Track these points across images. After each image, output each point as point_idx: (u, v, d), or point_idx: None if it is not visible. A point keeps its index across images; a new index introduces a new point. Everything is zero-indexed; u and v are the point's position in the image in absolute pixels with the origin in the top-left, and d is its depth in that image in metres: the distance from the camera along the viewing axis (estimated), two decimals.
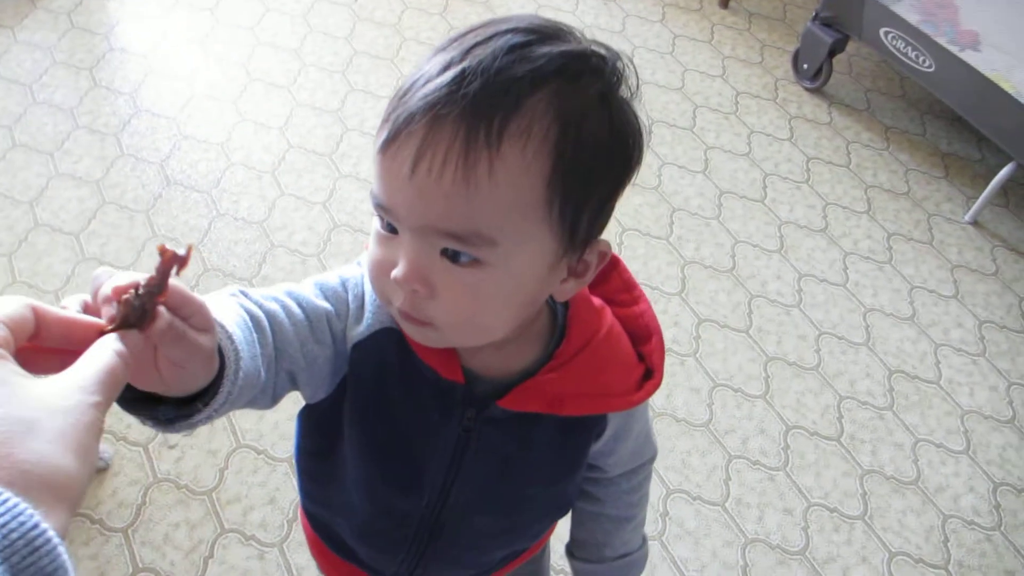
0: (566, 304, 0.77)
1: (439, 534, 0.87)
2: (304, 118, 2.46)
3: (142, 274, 0.51)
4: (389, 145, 0.60)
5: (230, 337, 0.60)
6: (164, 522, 1.71)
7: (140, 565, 1.65)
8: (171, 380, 0.56)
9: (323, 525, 0.97)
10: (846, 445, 1.89)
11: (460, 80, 0.58)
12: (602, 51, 0.64)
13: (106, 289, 0.51)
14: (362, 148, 2.39)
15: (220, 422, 1.84)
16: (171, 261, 0.51)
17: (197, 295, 0.55)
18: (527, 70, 0.58)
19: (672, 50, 2.78)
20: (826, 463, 1.86)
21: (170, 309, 0.52)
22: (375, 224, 0.66)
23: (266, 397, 0.72)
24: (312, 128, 2.44)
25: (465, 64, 0.58)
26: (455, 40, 0.62)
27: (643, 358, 0.79)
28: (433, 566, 0.93)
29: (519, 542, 1.00)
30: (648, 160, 1.13)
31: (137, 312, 0.50)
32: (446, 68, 0.59)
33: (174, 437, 1.81)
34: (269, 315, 0.69)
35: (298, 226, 2.21)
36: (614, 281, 0.81)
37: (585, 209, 0.63)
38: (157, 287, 0.51)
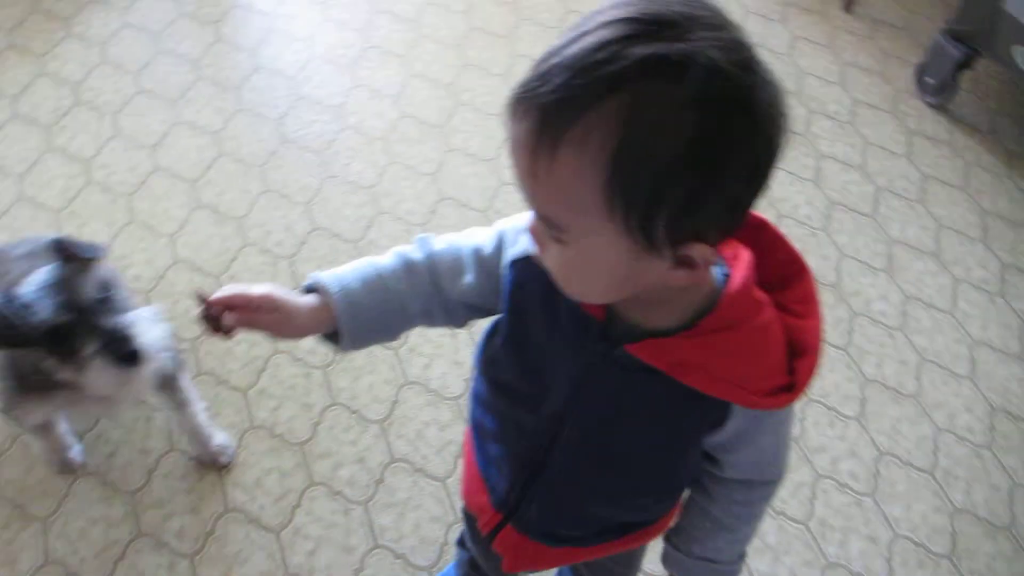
0: (726, 277, 0.77)
1: (547, 465, 0.92)
2: (418, 89, 2.49)
3: (239, 288, 0.86)
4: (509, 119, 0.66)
5: (339, 295, 0.87)
6: (257, 467, 1.76)
7: (231, 505, 1.70)
8: (285, 337, 0.89)
9: (478, 431, 1.03)
10: (939, 480, 1.84)
11: (541, 78, 0.62)
12: (713, 54, 0.59)
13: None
14: (473, 124, 2.41)
15: (316, 379, 1.89)
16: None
17: (258, 291, 0.86)
18: (604, 74, 0.58)
19: (791, 52, 2.72)
20: (917, 495, 1.82)
21: (238, 311, 0.84)
22: None
23: (442, 320, 0.93)
24: (425, 100, 2.46)
25: (554, 60, 0.61)
26: (578, 22, 0.63)
27: (792, 372, 0.78)
28: (536, 505, 0.98)
29: (618, 510, 1.00)
30: None
31: (213, 320, 0.86)
32: (544, 59, 0.63)
33: (273, 389, 1.87)
34: (432, 260, 0.91)
35: (406, 195, 2.23)
36: (797, 290, 0.80)
37: (656, 215, 0.62)
38: (205, 315, 0.86)
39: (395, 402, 1.86)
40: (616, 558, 1.18)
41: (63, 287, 1.25)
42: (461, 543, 1.45)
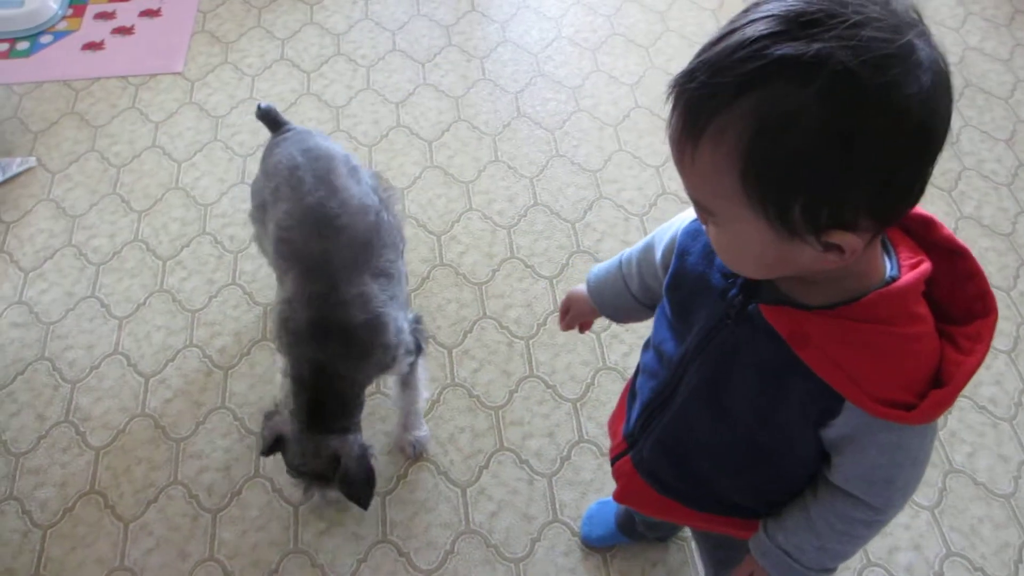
0: (893, 280, 0.76)
1: (668, 406, 0.97)
2: (656, 81, 2.48)
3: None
4: None
5: (590, 284, 1.15)
6: (452, 423, 1.84)
7: (424, 457, 1.79)
8: (592, 318, 1.22)
9: (638, 369, 1.10)
10: None
11: (690, 73, 0.67)
12: (844, 55, 0.60)
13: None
14: None
15: (518, 348, 1.94)
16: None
17: (566, 301, 1.22)
18: (745, 72, 0.62)
19: (1010, 23, 2.55)
20: None
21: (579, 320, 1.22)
22: None
23: (647, 296, 1.09)
24: (661, 93, 2.44)
25: (702, 56, 0.66)
26: (735, 16, 0.67)
27: (922, 397, 0.76)
28: (650, 443, 1.03)
29: (719, 478, 0.99)
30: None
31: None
32: (698, 54, 0.67)
33: (476, 351, 1.94)
34: (640, 254, 1.07)
35: (628, 184, 2.24)
36: (972, 327, 0.78)
37: (791, 206, 0.65)
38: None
39: (590, 384, 1.89)
40: (734, 543, 1.17)
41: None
42: None
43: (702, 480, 1.02)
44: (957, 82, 2.29)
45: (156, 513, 1.74)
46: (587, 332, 1.32)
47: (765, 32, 0.62)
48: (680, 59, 2.53)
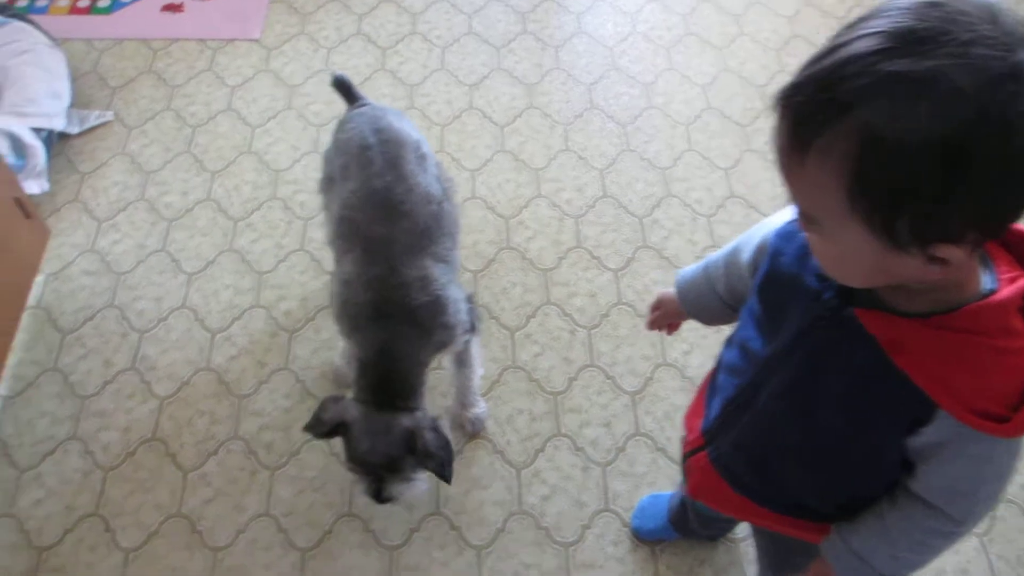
0: (991, 292, 0.77)
1: (751, 405, 0.98)
2: (728, 83, 2.49)
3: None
4: None
5: (682, 297, 1.18)
6: (510, 405, 1.86)
7: (481, 435, 1.81)
8: (682, 320, 1.24)
9: (718, 366, 1.12)
10: None
11: (797, 87, 0.67)
12: (955, 74, 0.60)
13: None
14: None
15: (580, 336, 1.95)
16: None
17: (654, 301, 1.25)
18: (855, 87, 0.62)
19: None
20: None
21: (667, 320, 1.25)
22: None
23: (731, 296, 1.10)
24: (733, 95, 2.46)
25: (810, 70, 0.66)
26: (842, 30, 0.67)
27: (1016, 410, 0.76)
28: (731, 440, 1.04)
29: (799, 479, 1.00)
30: None
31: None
32: (805, 67, 0.67)
33: (538, 336, 1.96)
34: (727, 257, 1.09)
35: (697, 184, 2.25)
36: None
37: (897, 220, 0.65)
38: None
39: (649, 379, 1.90)
40: (799, 547, 1.18)
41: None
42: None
43: (778, 480, 1.03)
44: None
45: (215, 465, 1.77)
46: (673, 333, 1.32)
47: (875, 48, 0.62)
48: (753, 63, 2.53)
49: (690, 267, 1.19)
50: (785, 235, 0.93)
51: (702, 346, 1.94)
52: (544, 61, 2.51)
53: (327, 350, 1.92)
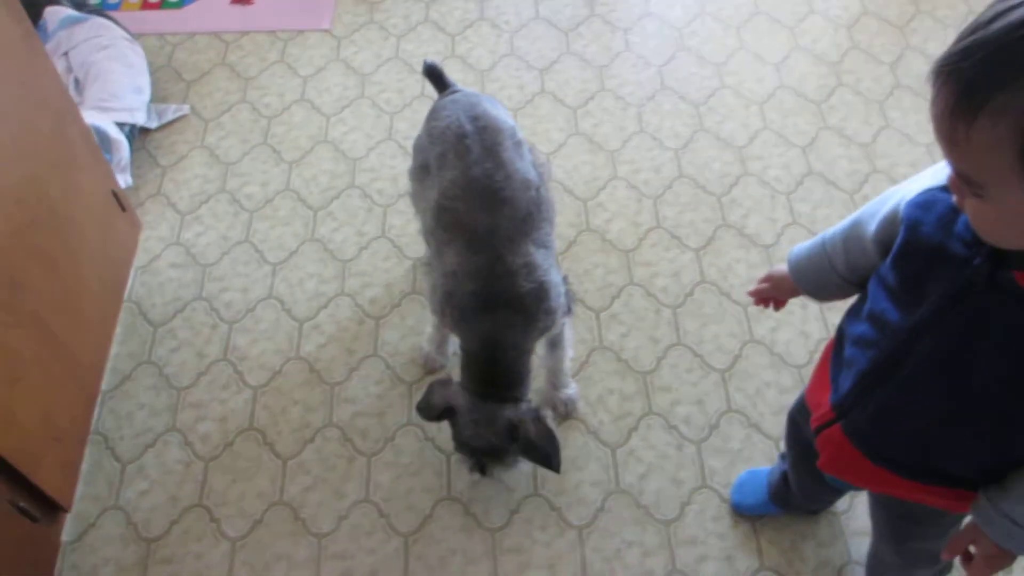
0: None
1: (895, 376, 0.97)
2: (800, 61, 2.46)
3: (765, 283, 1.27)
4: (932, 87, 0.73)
5: (790, 263, 1.19)
6: (601, 385, 1.86)
7: (574, 415, 1.81)
8: (791, 297, 1.26)
9: (841, 336, 1.11)
10: None
11: (964, 52, 0.68)
12: None
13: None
14: (852, 106, 2.35)
15: (665, 316, 1.95)
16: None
17: (766, 277, 1.26)
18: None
19: None
20: None
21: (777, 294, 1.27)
22: None
23: (850, 273, 1.10)
24: (806, 74, 2.43)
25: (978, 35, 0.67)
26: (994, 2, 0.68)
27: None
28: (870, 412, 1.02)
29: (945, 446, 0.99)
30: None
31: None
32: (968, 33, 0.69)
33: (624, 316, 1.96)
34: (846, 232, 1.09)
35: (774, 162, 2.23)
36: None
37: None
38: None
39: (738, 356, 1.89)
40: (926, 517, 1.19)
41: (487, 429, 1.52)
42: (783, 456, 1.54)
43: (922, 450, 1.02)
44: None
45: (313, 453, 1.79)
46: (781, 310, 1.32)
47: None
48: (825, 41, 2.51)
49: (803, 244, 1.19)
50: (922, 204, 0.92)
51: (789, 322, 1.93)
52: (613, 44, 2.50)
53: (414, 336, 1.94)
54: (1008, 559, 1.00)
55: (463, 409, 1.51)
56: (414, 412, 1.81)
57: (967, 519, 1.05)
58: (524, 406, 1.52)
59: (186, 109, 2.38)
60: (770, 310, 1.93)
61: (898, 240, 0.96)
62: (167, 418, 1.84)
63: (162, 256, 2.10)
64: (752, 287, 1.30)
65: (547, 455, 1.47)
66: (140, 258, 2.09)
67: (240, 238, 2.13)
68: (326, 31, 2.57)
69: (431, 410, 1.51)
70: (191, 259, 2.09)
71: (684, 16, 2.57)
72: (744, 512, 1.69)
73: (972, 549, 1.03)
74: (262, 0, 2.65)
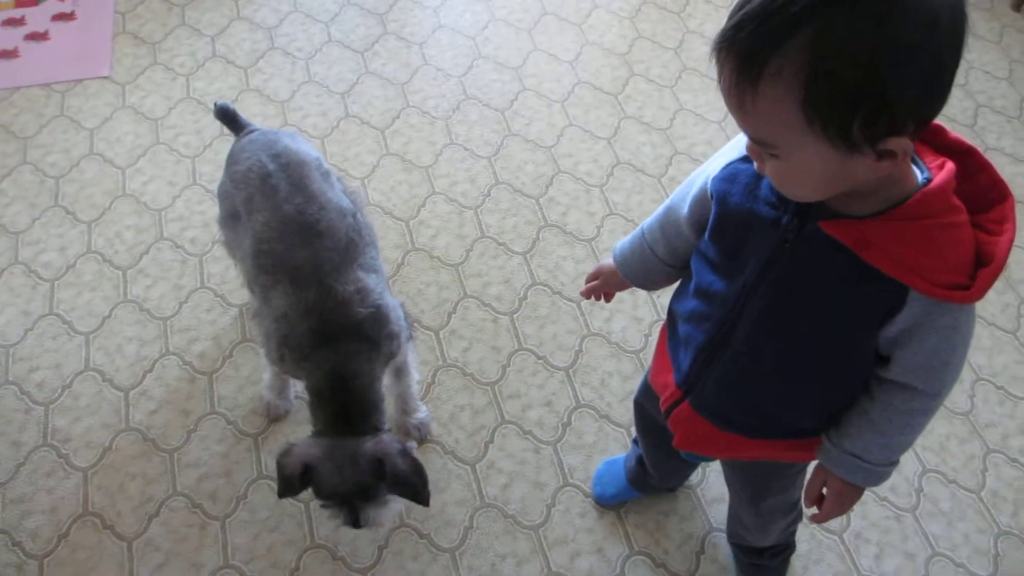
0: (928, 181, 0.85)
1: (728, 343, 1.03)
2: (592, 56, 2.55)
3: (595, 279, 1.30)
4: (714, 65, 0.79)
5: (622, 267, 1.23)
6: (450, 403, 1.86)
7: (428, 438, 1.80)
8: (620, 290, 1.31)
9: (672, 318, 1.17)
10: None
11: (737, 26, 0.74)
12: None
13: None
14: (646, 93, 2.46)
15: (503, 324, 1.97)
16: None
17: (595, 272, 1.30)
18: (789, 14, 0.70)
19: None
20: None
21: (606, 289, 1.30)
22: None
23: (672, 257, 1.16)
24: (600, 67, 2.52)
25: (746, 9, 0.73)
26: None
27: (973, 278, 0.85)
28: (712, 381, 1.09)
29: (785, 399, 1.06)
30: None
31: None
32: (739, 9, 0.74)
33: (463, 331, 1.96)
34: (662, 213, 1.15)
35: (583, 157, 2.30)
36: (995, 212, 0.87)
37: (851, 122, 0.73)
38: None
39: (579, 352, 1.94)
40: (774, 472, 1.28)
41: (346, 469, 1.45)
42: (635, 441, 1.61)
43: (767, 407, 1.08)
44: None
45: (160, 527, 1.68)
46: (611, 301, 1.36)
47: None
48: (612, 34, 2.61)
49: (626, 238, 1.24)
50: (727, 178, 0.99)
51: (620, 311, 2.00)
52: (411, 60, 2.49)
53: (252, 385, 1.86)
54: (856, 493, 1.09)
55: (321, 459, 1.43)
56: (264, 465, 1.75)
57: (812, 465, 1.12)
58: (386, 436, 1.47)
59: None
60: (601, 302, 2.00)
61: (712, 215, 1.01)
62: None
63: None
64: (581, 283, 1.34)
65: (416, 489, 1.44)
66: None
67: (43, 311, 1.96)
68: (106, 78, 2.41)
69: (290, 483, 1.43)
70: None
71: (475, 24, 2.61)
72: (607, 503, 1.73)
73: (824, 491, 1.11)
74: (29, 51, 2.45)
